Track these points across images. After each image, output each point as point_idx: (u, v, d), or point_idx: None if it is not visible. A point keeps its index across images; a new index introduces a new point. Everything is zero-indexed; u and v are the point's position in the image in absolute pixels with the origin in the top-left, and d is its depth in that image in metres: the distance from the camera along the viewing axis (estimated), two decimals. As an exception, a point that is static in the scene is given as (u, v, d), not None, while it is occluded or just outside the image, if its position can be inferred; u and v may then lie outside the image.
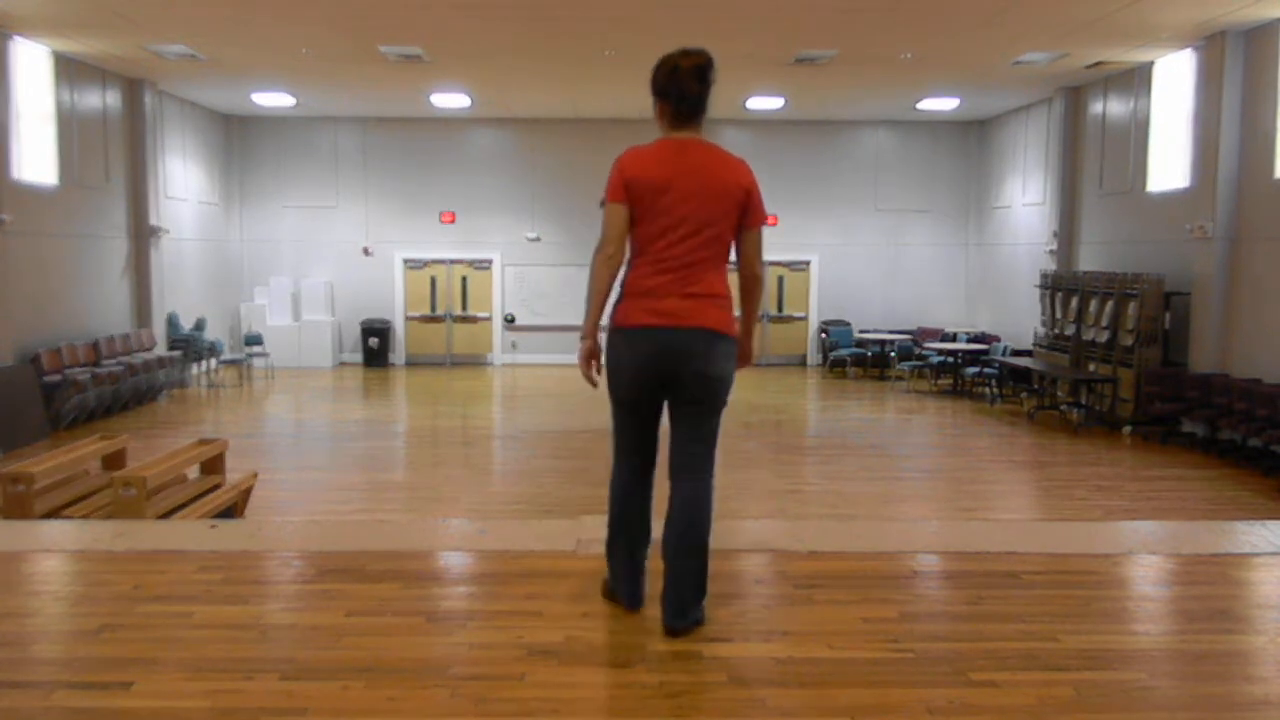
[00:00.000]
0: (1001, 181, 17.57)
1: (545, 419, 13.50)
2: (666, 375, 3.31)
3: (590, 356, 3.39)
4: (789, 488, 9.57)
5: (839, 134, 18.60)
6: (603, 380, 3.42)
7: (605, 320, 3.41)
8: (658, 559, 3.42)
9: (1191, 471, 10.09)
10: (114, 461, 7.45)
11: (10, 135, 11.64)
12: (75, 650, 3.21)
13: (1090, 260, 14.49)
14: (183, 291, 16.23)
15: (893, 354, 17.40)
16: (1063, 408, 13.34)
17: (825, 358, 18.43)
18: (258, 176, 18.42)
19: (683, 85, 3.30)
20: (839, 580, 3.83)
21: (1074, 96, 14.85)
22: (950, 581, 3.97)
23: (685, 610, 3.30)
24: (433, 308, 18.83)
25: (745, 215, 3.36)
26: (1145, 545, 4.45)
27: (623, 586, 3.47)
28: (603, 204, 3.34)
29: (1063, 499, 9.10)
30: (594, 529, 3.98)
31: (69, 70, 13.02)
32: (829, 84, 14.72)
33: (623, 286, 3.37)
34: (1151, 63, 12.83)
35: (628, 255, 3.36)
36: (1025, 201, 16.59)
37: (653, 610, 3.46)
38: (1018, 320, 16.30)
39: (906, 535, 4.86)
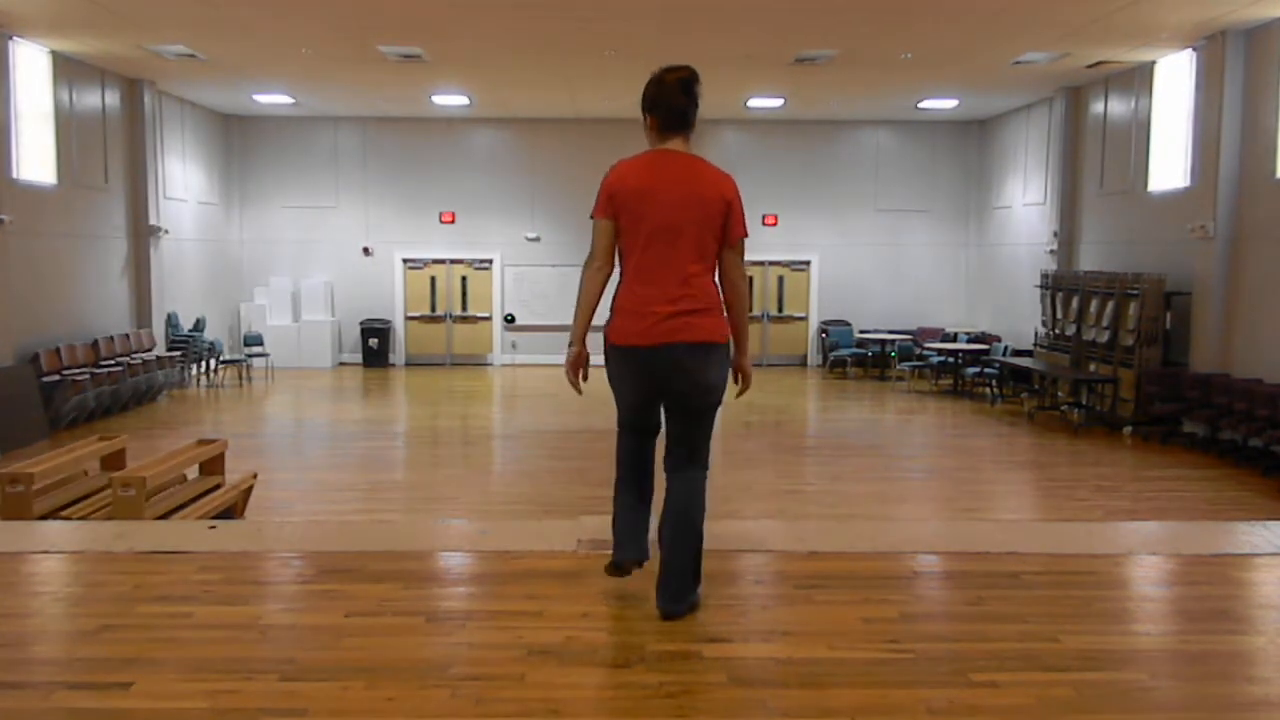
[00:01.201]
0: (1002, 181, 17.56)
1: (545, 419, 13.50)
2: (662, 387, 3.43)
3: (578, 364, 3.54)
4: (789, 488, 9.56)
5: (839, 134, 18.60)
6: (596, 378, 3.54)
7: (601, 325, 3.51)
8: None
9: (1192, 472, 10.09)
10: (113, 462, 7.44)
11: (10, 135, 11.63)
12: (75, 650, 3.21)
13: (1091, 260, 14.48)
14: (182, 291, 16.23)
15: (893, 354, 17.40)
16: (1063, 408, 13.33)
17: (825, 358, 18.43)
18: (258, 176, 18.41)
19: (670, 98, 3.42)
20: (839, 580, 3.83)
21: (1075, 96, 14.85)
22: (951, 582, 3.97)
23: (681, 595, 3.40)
24: (432, 308, 18.83)
25: (726, 229, 3.42)
26: (1145, 545, 4.45)
27: (629, 541, 3.48)
28: (593, 217, 3.47)
29: (1063, 499, 9.09)
30: (594, 529, 3.98)
31: (68, 70, 13.01)
32: (829, 84, 14.72)
33: (614, 301, 3.48)
34: (1152, 63, 12.83)
35: (619, 268, 3.49)
36: (1026, 201, 16.58)
37: (653, 610, 3.46)
38: (1018, 320, 16.30)
39: (906, 535, 4.86)
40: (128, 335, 14.26)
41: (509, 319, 18.75)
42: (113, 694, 2.84)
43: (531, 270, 18.59)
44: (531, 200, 18.43)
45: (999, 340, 16.26)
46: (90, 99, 13.67)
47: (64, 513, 6.42)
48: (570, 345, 3.52)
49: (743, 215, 3.46)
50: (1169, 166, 12.55)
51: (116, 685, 2.89)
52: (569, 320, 3.53)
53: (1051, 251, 15.26)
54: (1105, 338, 12.77)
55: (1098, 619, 3.48)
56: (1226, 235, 11.24)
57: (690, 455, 3.48)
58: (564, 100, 16.23)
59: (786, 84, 14.80)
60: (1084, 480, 9.80)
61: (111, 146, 14.21)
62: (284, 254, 18.44)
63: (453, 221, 18.53)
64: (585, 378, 3.54)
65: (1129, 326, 12.29)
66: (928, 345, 16.71)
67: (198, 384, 15.93)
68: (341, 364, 18.52)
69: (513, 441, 12.36)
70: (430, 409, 14.69)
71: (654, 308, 3.35)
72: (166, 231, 15.35)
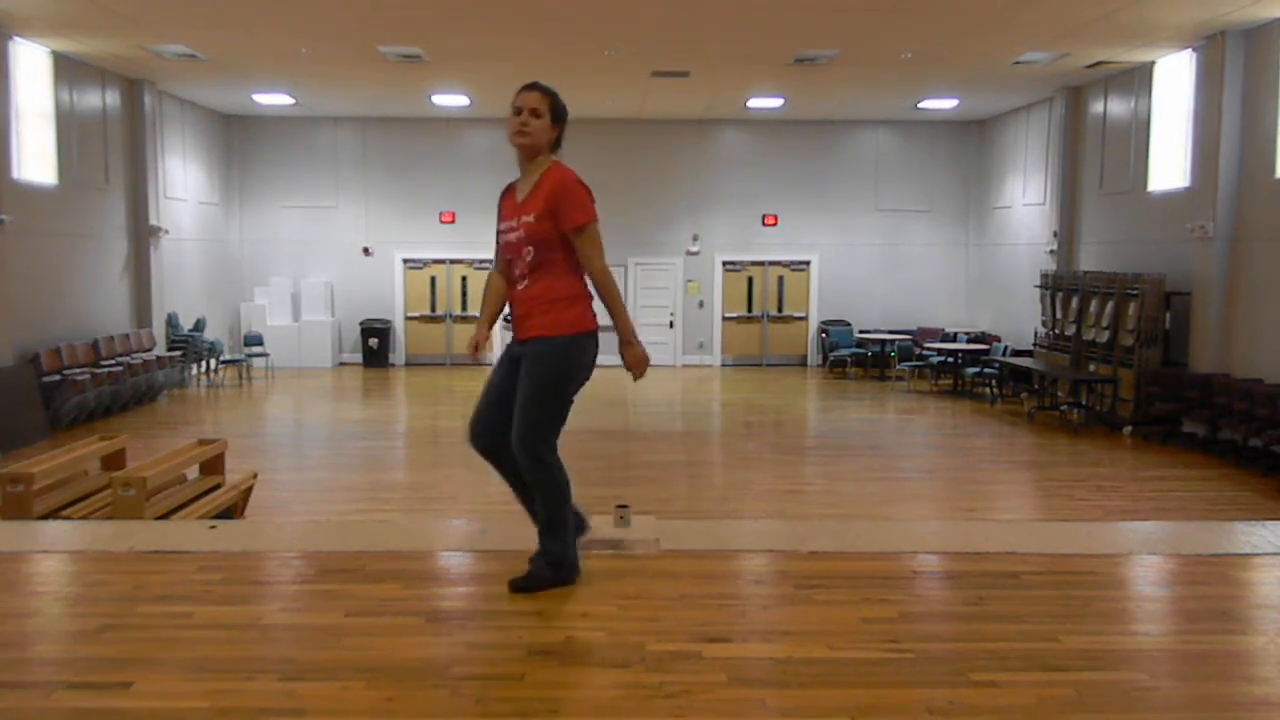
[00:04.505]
0: (1002, 181, 17.56)
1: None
2: None
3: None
4: (789, 488, 9.56)
5: (839, 134, 18.59)
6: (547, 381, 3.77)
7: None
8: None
9: (1191, 472, 10.08)
10: (113, 462, 7.44)
11: (10, 135, 11.63)
12: (75, 650, 3.21)
13: (1090, 260, 14.48)
14: (183, 291, 16.23)
15: (893, 354, 17.40)
16: (1063, 408, 13.33)
17: (825, 358, 18.43)
18: (258, 176, 18.41)
19: None
20: (839, 580, 3.83)
21: (1074, 96, 14.85)
22: (950, 581, 3.97)
23: None
24: (432, 308, 18.84)
25: None
26: (1145, 545, 4.45)
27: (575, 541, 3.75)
28: (595, 220, 3.67)
29: (1063, 499, 9.09)
30: (594, 528, 3.97)
31: (69, 70, 13.01)
32: (829, 84, 14.71)
33: (580, 289, 3.71)
34: (1152, 63, 12.83)
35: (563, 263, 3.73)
36: (1025, 201, 16.58)
37: (653, 610, 3.46)
38: (1018, 320, 16.29)
39: (906, 535, 4.86)
40: (128, 335, 14.26)
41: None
42: (113, 694, 2.84)
43: (531, 270, 18.56)
44: (531, 200, 18.39)
45: (999, 340, 16.26)
46: (90, 99, 13.67)
47: (64, 513, 6.42)
48: (633, 344, 3.63)
49: None
50: (1169, 166, 12.55)
51: (116, 685, 2.89)
52: None
53: (1051, 251, 15.26)
54: (1105, 338, 12.77)
55: (1098, 619, 3.48)
56: (1226, 235, 11.24)
57: None
58: (563, 100, 16.20)
59: (786, 84, 14.79)
60: (1084, 480, 9.80)
61: (111, 146, 14.21)
62: (284, 254, 18.44)
63: (453, 221, 18.54)
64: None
65: (1129, 326, 12.29)
66: (928, 345, 16.71)
67: (198, 384, 15.93)
68: (341, 364, 18.52)
69: (513, 441, 12.33)
70: (430, 409, 14.69)
71: None
72: (166, 231, 15.34)
